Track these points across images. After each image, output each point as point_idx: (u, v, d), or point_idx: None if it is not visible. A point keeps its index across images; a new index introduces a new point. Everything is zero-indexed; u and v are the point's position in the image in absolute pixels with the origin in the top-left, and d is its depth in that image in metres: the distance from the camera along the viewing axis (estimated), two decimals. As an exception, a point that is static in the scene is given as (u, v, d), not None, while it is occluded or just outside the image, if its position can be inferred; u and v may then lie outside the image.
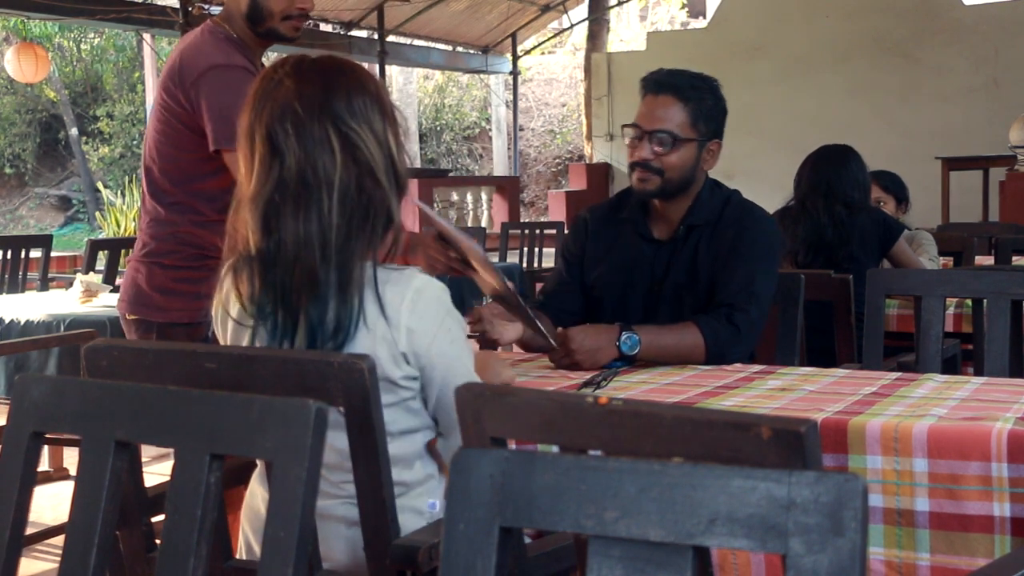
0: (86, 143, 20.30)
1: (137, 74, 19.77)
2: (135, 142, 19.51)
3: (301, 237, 1.60)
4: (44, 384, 1.27)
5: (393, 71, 17.82)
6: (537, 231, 7.37)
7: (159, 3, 11.31)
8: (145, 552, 1.72)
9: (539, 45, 18.59)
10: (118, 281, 4.34)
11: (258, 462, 1.75)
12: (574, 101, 20.12)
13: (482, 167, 20.85)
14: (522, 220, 14.57)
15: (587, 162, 15.77)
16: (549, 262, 7.37)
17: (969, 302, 3.04)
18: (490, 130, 19.59)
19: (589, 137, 15.87)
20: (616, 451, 1.17)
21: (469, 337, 1.96)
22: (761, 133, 12.62)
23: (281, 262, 1.61)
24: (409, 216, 1.77)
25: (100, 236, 12.07)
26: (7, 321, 3.77)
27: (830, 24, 13.62)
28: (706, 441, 1.12)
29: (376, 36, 13.52)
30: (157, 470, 3.79)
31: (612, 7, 16.95)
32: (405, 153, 1.70)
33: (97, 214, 13.81)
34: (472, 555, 0.92)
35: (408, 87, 19.63)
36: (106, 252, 5.76)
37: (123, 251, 5.89)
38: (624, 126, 2.45)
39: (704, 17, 20.34)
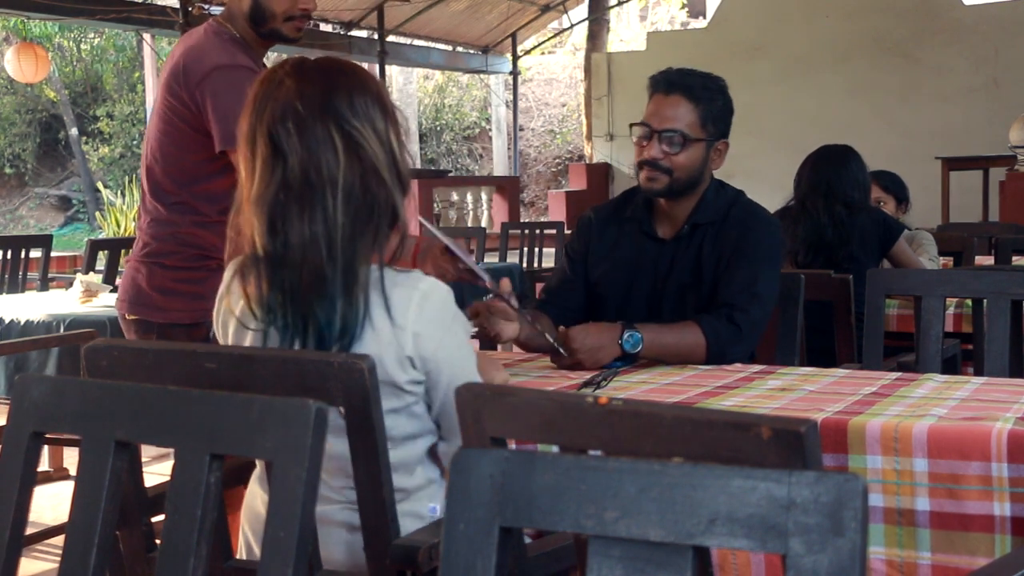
0: (86, 143, 20.30)
1: (137, 74, 19.77)
2: (135, 142, 19.51)
3: (307, 237, 1.60)
4: (44, 384, 1.27)
5: (393, 71, 17.82)
6: (537, 231, 7.37)
7: (159, 3, 11.31)
8: (145, 552, 1.72)
9: (539, 45, 18.59)
10: (118, 281, 4.34)
11: (257, 463, 1.75)
12: (574, 101, 20.13)
13: (482, 167, 20.86)
14: (522, 220, 14.57)
15: (587, 162, 15.77)
16: (549, 262, 7.37)
17: (969, 302, 3.04)
18: (490, 130, 19.59)
19: (589, 137, 15.87)
20: (616, 451, 1.17)
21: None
22: (761, 133, 12.61)
23: (288, 263, 1.61)
24: (412, 220, 1.77)
25: (100, 236, 12.08)
26: (7, 321, 3.77)
27: (830, 24, 13.63)
28: (706, 441, 1.12)
29: (376, 36, 13.52)
30: (157, 470, 3.79)
31: (612, 7, 16.96)
32: (407, 152, 1.70)
33: (97, 214, 13.81)
34: (472, 555, 0.92)
35: (408, 87, 19.63)
36: (106, 252, 5.76)
37: (123, 251, 5.89)
38: (632, 124, 2.45)
39: (704, 17, 20.34)
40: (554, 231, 7.22)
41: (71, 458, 4.29)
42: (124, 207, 11.51)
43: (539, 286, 5.09)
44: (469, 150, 21.65)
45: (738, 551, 1.60)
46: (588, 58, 15.98)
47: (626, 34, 22.01)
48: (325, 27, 13.31)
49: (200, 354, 1.59)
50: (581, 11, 16.32)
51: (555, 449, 1.37)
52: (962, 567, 1.57)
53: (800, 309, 2.72)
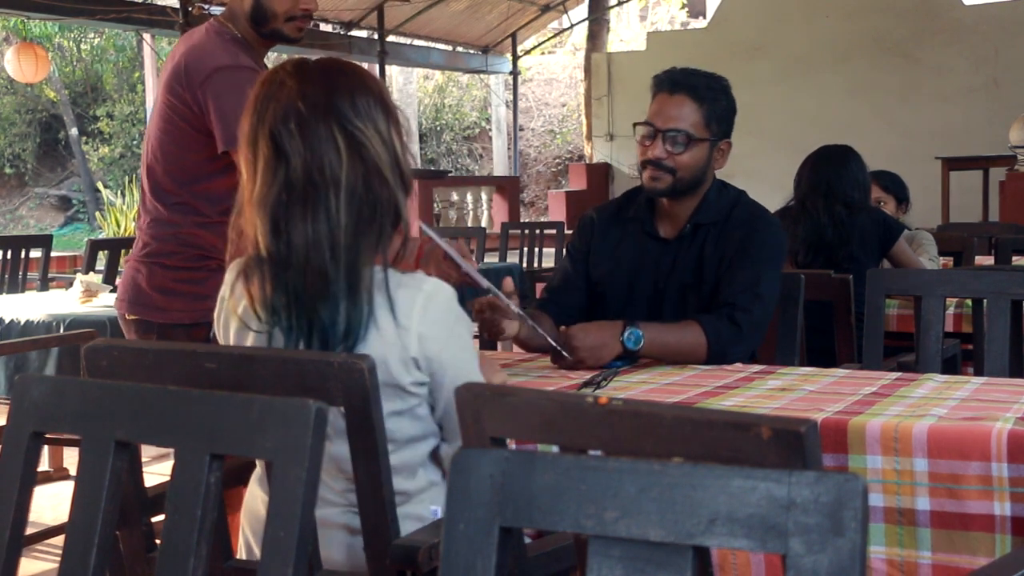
0: (86, 143, 20.30)
1: (137, 74, 19.77)
2: (135, 142, 19.51)
3: (310, 238, 1.59)
4: (44, 384, 1.27)
5: (393, 71, 17.82)
6: (537, 231, 7.36)
7: (159, 3, 11.31)
8: (145, 552, 1.72)
9: (539, 45, 18.59)
10: (118, 281, 4.35)
11: (257, 465, 1.75)
12: (574, 101, 20.13)
13: (482, 167, 20.86)
14: (522, 220, 14.58)
15: (587, 162, 15.77)
16: (549, 262, 7.37)
17: (969, 302, 3.04)
18: (490, 130, 19.59)
19: (589, 137, 15.88)
20: (616, 451, 1.17)
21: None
22: (761, 133, 12.62)
23: (292, 264, 1.60)
24: (413, 221, 1.76)
25: (100, 236, 12.08)
26: (7, 321, 3.77)
27: (830, 24, 13.63)
28: (706, 441, 1.12)
29: (376, 36, 13.52)
30: (157, 470, 3.79)
31: (612, 7, 16.96)
32: (409, 153, 1.70)
33: (97, 214, 13.81)
34: (472, 555, 0.92)
35: (408, 87, 19.63)
36: (106, 252, 5.76)
37: (123, 251, 5.88)
38: (636, 124, 2.45)
39: (704, 17, 20.34)
40: (554, 231, 7.22)
41: (71, 458, 4.29)
42: (124, 207, 11.51)
43: (539, 286, 5.09)
44: (469, 150, 21.65)
45: (738, 551, 1.60)
46: (588, 58, 15.98)
47: (626, 34, 22.01)
48: (325, 27, 13.31)
49: (200, 354, 1.59)
50: (581, 11, 16.32)
51: (555, 449, 1.37)
52: (962, 566, 1.57)
53: (800, 309, 2.72)
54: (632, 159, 15.31)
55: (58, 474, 4.28)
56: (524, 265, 7.01)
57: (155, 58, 14.25)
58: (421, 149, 20.52)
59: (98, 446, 1.20)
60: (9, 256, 5.65)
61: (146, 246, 2.59)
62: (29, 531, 1.47)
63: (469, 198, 13.16)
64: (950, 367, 2.90)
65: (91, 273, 5.05)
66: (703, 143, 2.41)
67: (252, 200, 1.63)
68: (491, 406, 1.28)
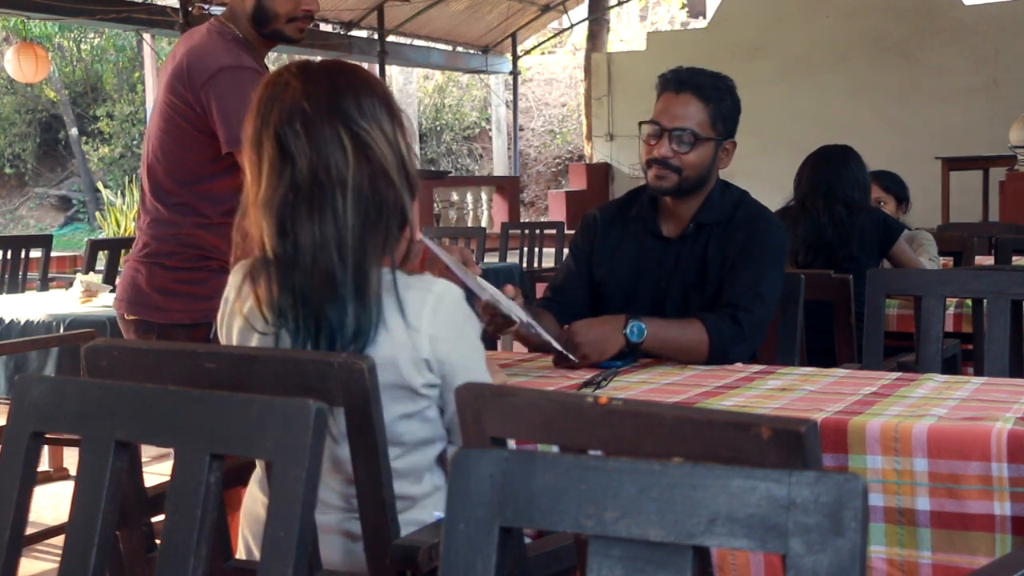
0: (86, 143, 20.30)
1: (137, 74, 19.77)
2: (135, 142, 19.51)
3: (317, 239, 1.58)
4: (44, 384, 1.27)
5: (393, 71, 17.82)
6: (537, 231, 7.36)
7: (159, 3, 11.31)
8: (145, 552, 1.72)
9: (539, 45, 18.58)
10: (117, 281, 4.35)
11: (257, 467, 1.75)
12: (574, 101, 20.12)
13: (482, 167, 20.85)
14: (522, 220, 14.57)
15: (587, 162, 15.76)
16: (549, 262, 7.37)
17: (969, 302, 3.04)
18: (490, 130, 19.59)
19: (589, 137, 15.87)
20: (616, 451, 1.17)
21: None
22: (761, 133, 12.60)
23: (299, 265, 1.59)
24: (418, 225, 1.76)
25: (100, 236, 12.07)
26: (7, 321, 3.77)
27: (830, 24, 13.62)
28: (706, 441, 1.12)
29: (376, 36, 13.52)
30: (157, 470, 3.79)
31: (612, 7, 16.95)
32: (414, 155, 1.69)
33: (97, 214, 13.81)
34: (472, 555, 0.92)
35: (408, 87, 19.63)
36: (106, 252, 5.75)
37: (123, 251, 5.88)
38: (642, 122, 2.46)
39: (704, 17, 20.34)
40: (554, 231, 7.22)
41: (71, 458, 4.29)
42: (124, 207, 11.50)
43: (540, 286, 5.09)
44: (469, 150, 21.64)
45: (737, 551, 1.60)
46: (588, 58, 15.98)
47: (626, 34, 22.01)
48: (325, 27, 13.31)
49: (200, 354, 1.59)
50: (581, 11, 16.32)
51: (555, 449, 1.37)
52: (963, 566, 1.57)
53: (800, 309, 2.72)
54: (632, 159, 15.32)
55: (58, 474, 4.28)
56: (524, 265, 7.01)
57: (155, 58, 14.24)
58: (421, 149, 20.51)
59: (98, 446, 1.20)
60: (9, 256, 5.65)
61: (146, 246, 2.59)
62: (29, 531, 1.46)
63: (469, 198, 13.16)
64: (950, 367, 2.90)
65: (91, 273, 5.05)
66: (709, 142, 2.41)
67: (257, 202, 1.62)
68: (491, 406, 1.28)
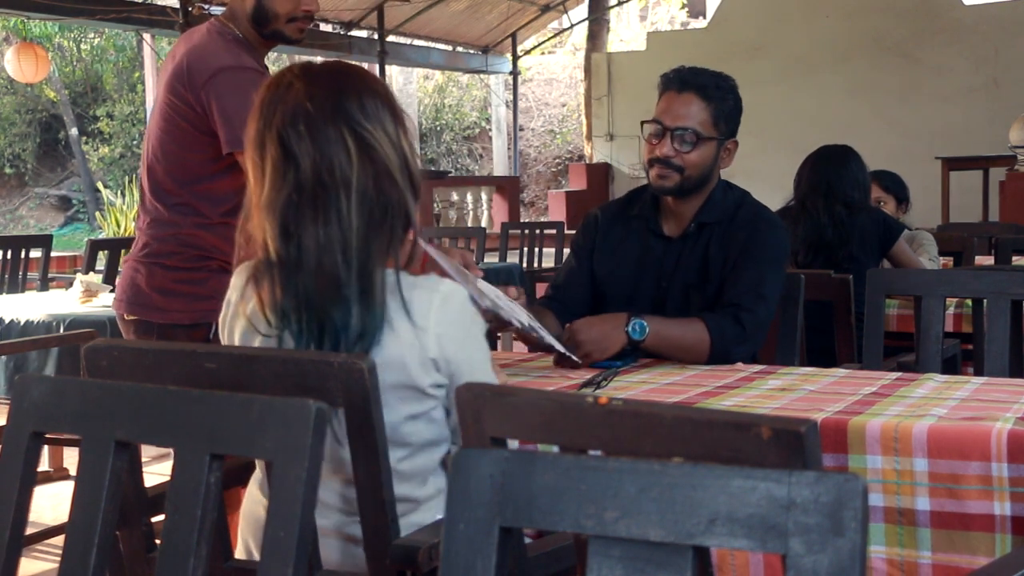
0: (86, 143, 20.30)
1: (137, 74, 19.77)
2: (135, 142, 19.51)
3: (321, 240, 1.58)
4: (44, 384, 1.27)
5: (393, 71, 17.82)
6: (537, 231, 7.36)
7: (159, 3, 11.31)
8: (145, 552, 1.72)
9: (539, 45, 18.58)
10: (117, 281, 4.35)
11: (257, 469, 1.74)
12: (574, 101, 20.13)
13: (482, 167, 20.85)
14: (522, 220, 14.57)
15: (587, 162, 15.77)
16: (549, 262, 7.37)
17: (969, 302, 3.04)
18: (490, 130, 19.59)
19: (589, 137, 15.87)
20: (616, 451, 1.17)
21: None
22: (761, 133, 12.61)
23: (303, 267, 1.59)
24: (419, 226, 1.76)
25: (100, 236, 12.08)
26: (7, 321, 3.77)
27: (830, 24, 13.63)
28: (706, 441, 1.12)
29: (376, 36, 13.52)
30: (157, 470, 3.79)
31: (612, 7, 16.95)
32: (417, 155, 1.69)
33: (97, 214, 13.82)
34: (472, 555, 0.92)
35: (408, 87, 19.63)
36: (106, 252, 5.75)
37: (123, 251, 5.88)
38: (644, 122, 2.46)
39: (704, 17, 20.34)
40: (554, 231, 7.22)
41: (71, 458, 4.29)
42: (124, 207, 11.50)
43: (540, 286, 5.09)
44: (469, 150, 21.64)
45: (737, 551, 1.60)
46: (588, 58, 15.98)
47: (626, 34, 22.01)
48: (325, 27, 13.31)
49: (200, 354, 1.59)
50: (581, 11, 16.32)
51: (555, 449, 1.37)
52: (962, 566, 1.57)
53: (800, 309, 2.72)
54: (632, 159, 15.32)
55: (58, 474, 4.28)
56: (524, 265, 7.01)
57: (155, 58, 14.25)
58: (421, 149, 20.51)
59: (98, 446, 1.20)
60: (9, 256, 5.65)
61: (146, 246, 2.59)
62: (29, 531, 1.46)
63: (469, 198, 13.16)
64: (950, 367, 2.90)
65: (91, 273, 5.05)
66: (711, 142, 2.42)
67: (260, 203, 1.61)
68: (491, 406, 1.28)
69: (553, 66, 22.00)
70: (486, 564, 0.92)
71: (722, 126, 2.43)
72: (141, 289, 2.56)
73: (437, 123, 21.40)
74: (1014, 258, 4.31)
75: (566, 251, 3.51)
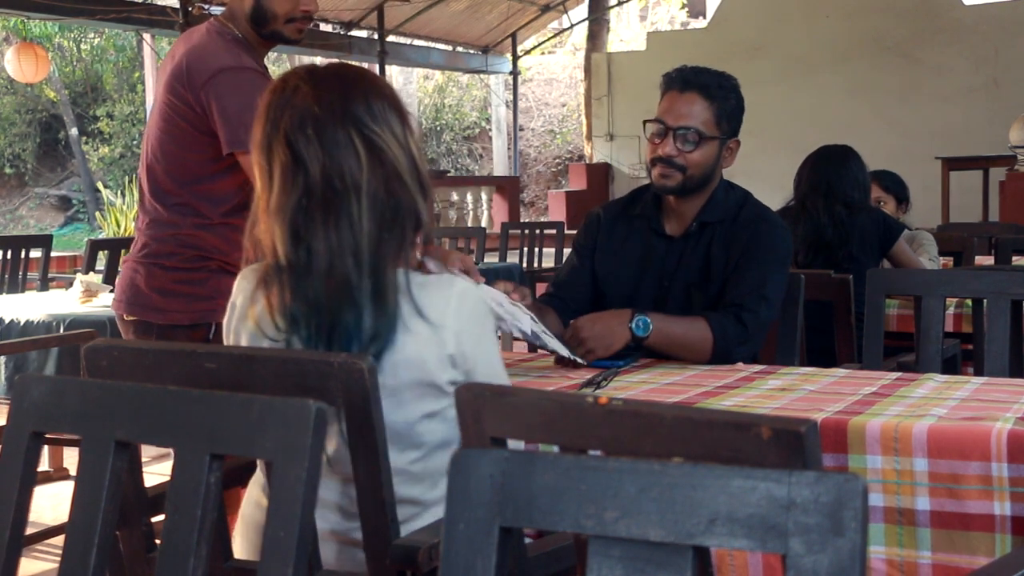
0: (86, 143, 20.30)
1: (137, 74, 19.78)
2: (135, 142, 19.51)
3: (333, 245, 1.57)
4: (44, 384, 1.27)
5: (393, 71, 17.82)
6: (537, 231, 7.36)
7: (159, 3, 11.31)
8: (145, 552, 1.72)
9: (539, 45, 18.59)
10: (117, 281, 4.35)
11: (258, 471, 1.74)
12: (574, 101, 20.13)
13: (482, 167, 20.86)
14: (522, 220, 14.58)
15: (587, 162, 15.77)
16: (549, 262, 7.37)
17: (969, 302, 3.04)
18: (490, 130, 19.59)
19: (589, 137, 15.88)
20: (616, 451, 1.17)
21: None
22: (761, 133, 12.61)
23: (313, 272, 1.58)
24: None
25: (100, 236, 12.08)
26: (7, 321, 3.77)
27: (830, 24, 13.63)
28: (706, 441, 1.12)
29: (376, 36, 13.52)
30: (157, 470, 3.79)
31: (612, 7, 16.96)
32: (424, 156, 1.69)
33: (97, 214, 13.82)
34: (472, 555, 0.92)
35: (408, 87, 19.63)
36: (106, 252, 5.75)
37: (123, 251, 5.88)
38: (646, 121, 2.46)
39: (704, 17, 20.34)
40: (554, 231, 7.22)
41: (71, 458, 4.29)
42: (124, 207, 11.51)
43: (540, 286, 5.09)
44: (469, 150, 21.64)
45: (736, 552, 1.60)
46: (588, 58, 15.98)
47: (626, 34, 22.01)
48: (325, 27, 13.31)
49: (200, 354, 1.59)
50: (581, 11, 16.32)
51: (555, 449, 1.37)
52: (962, 566, 1.57)
53: (800, 309, 2.72)
54: (632, 159, 15.33)
55: (58, 474, 4.27)
56: (524, 265, 7.01)
57: (155, 58, 14.25)
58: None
59: (98, 446, 1.20)
60: (9, 256, 5.65)
61: (145, 247, 2.59)
62: (29, 531, 1.46)
63: (469, 198, 13.16)
64: (950, 367, 2.90)
65: (91, 273, 5.05)
66: (713, 141, 2.42)
67: (269, 208, 1.60)
68: (491, 406, 1.28)
69: (553, 66, 22.00)
70: (486, 564, 0.92)
71: (724, 125, 2.43)
72: (140, 289, 2.56)
73: (437, 123, 21.40)
74: (1014, 258, 4.31)
75: (566, 251, 3.51)
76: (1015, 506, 1.55)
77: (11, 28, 18.12)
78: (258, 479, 1.75)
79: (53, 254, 6.38)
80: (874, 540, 1.63)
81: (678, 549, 0.87)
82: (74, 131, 20.05)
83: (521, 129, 18.68)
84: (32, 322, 3.75)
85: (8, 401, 1.75)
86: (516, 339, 2.15)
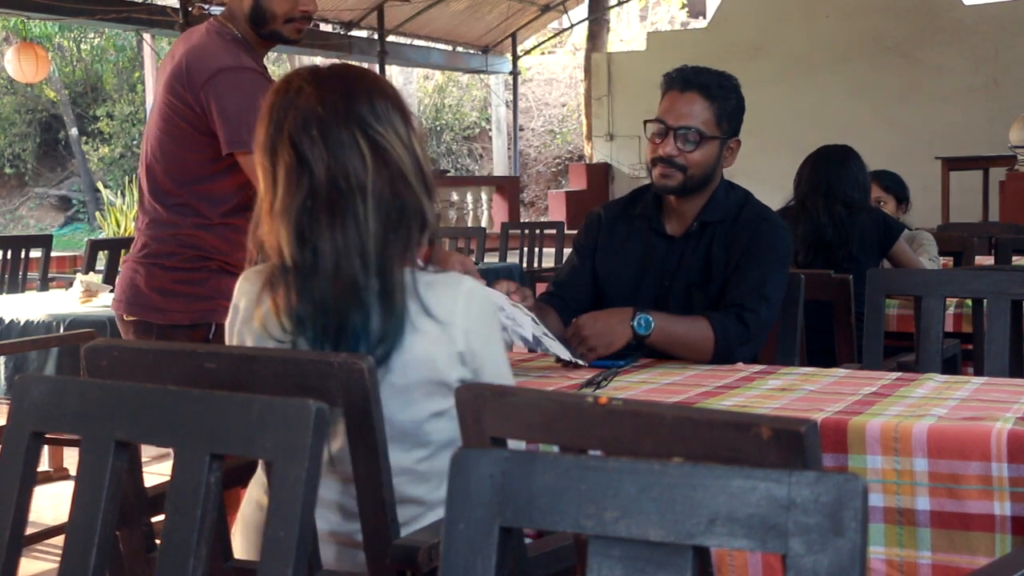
0: (86, 143, 20.30)
1: (137, 74, 19.78)
2: (135, 142, 19.51)
3: (340, 246, 1.57)
4: (44, 384, 1.27)
5: (393, 71, 17.82)
6: (537, 231, 7.36)
7: (159, 3, 11.31)
8: (145, 552, 1.72)
9: (539, 45, 18.59)
10: (116, 281, 4.35)
11: (259, 472, 1.74)
12: (574, 101, 20.13)
13: (482, 167, 20.86)
14: (522, 220, 14.58)
15: (587, 162, 15.78)
16: (549, 262, 7.37)
17: (969, 302, 3.04)
18: (490, 130, 19.59)
19: (589, 137, 15.88)
20: (616, 451, 1.17)
21: None
22: (761, 133, 12.61)
23: (320, 273, 1.58)
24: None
25: (100, 236, 12.08)
26: (7, 321, 3.77)
27: (830, 24, 13.63)
28: (706, 441, 1.12)
29: (376, 36, 13.53)
30: (157, 470, 3.79)
31: (612, 7, 16.96)
32: (428, 157, 1.69)
33: (97, 214, 13.82)
34: (472, 555, 0.92)
35: (408, 87, 19.63)
36: (106, 252, 5.75)
37: (123, 251, 5.88)
38: (647, 121, 2.46)
39: (704, 17, 20.34)
40: (554, 231, 7.22)
41: (71, 458, 4.29)
42: (124, 207, 11.51)
43: (540, 286, 5.09)
44: (469, 150, 21.65)
45: (736, 552, 1.60)
46: (588, 58, 15.99)
47: (626, 34, 22.02)
48: (325, 27, 13.31)
49: (200, 354, 1.59)
50: (581, 11, 16.32)
51: (555, 449, 1.37)
52: (962, 566, 1.57)
53: (800, 309, 2.72)
54: (632, 159, 15.33)
55: (58, 474, 4.27)
56: (524, 265, 7.01)
57: (155, 58, 14.27)
58: (421, 149, 20.46)
59: (98, 446, 1.20)
60: (9, 256, 5.65)
61: (145, 247, 2.59)
62: (29, 531, 1.47)
63: (469, 198, 13.16)
64: (950, 367, 2.90)
65: (91, 273, 5.05)
66: (714, 141, 2.42)
67: (274, 209, 1.60)
68: (491, 406, 1.28)
69: (553, 66, 22.00)
70: (486, 564, 0.92)
71: (725, 125, 2.43)
72: (140, 290, 2.56)
73: (437, 123, 21.40)
74: (1014, 258, 4.31)
75: (566, 251, 3.51)
76: (1015, 506, 1.55)
77: (11, 28, 18.13)
78: (259, 479, 1.75)
79: (53, 254, 6.38)
80: (874, 540, 1.63)
81: (678, 549, 0.87)
82: (74, 131, 20.05)
83: (521, 129, 18.68)
84: (32, 322, 3.75)
85: (8, 401, 1.75)
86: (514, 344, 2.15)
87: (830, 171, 3.58)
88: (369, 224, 1.57)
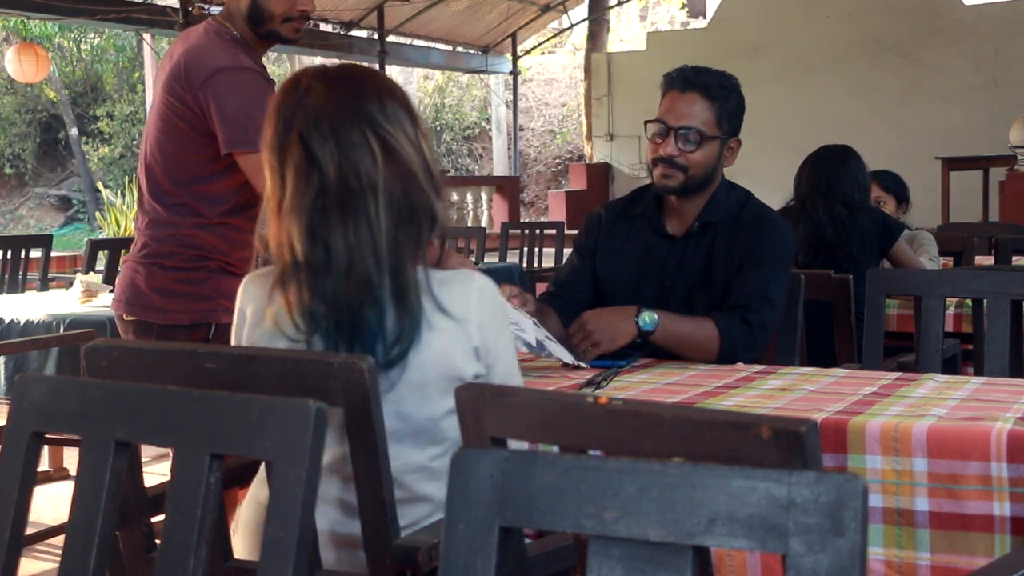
0: (86, 143, 20.30)
1: (137, 74, 19.78)
2: (135, 142, 19.51)
3: (352, 244, 1.57)
4: (44, 384, 1.27)
5: (393, 71, 17.82)
6: (537, 231, 7.36)
7: (159, 3, 11.31)
8: (145, 552, 1.72)
9: (539, 45, 18.58)
10: (116, 281, 4.35)
11: (261, 472, 1.74)
12: (574, 101, 20.13)
13: (482, 167, 20.86)
14: (522, 220, 14.58)
15: (587, 162, 15.77)
16: (549, 262, 7.37)
17: (969, 302, 3.04)
18: (490, 130, 19.59)
19: (589, 137, 15.88)
20: (616, 451, 1.17)
21: None
22: (761, 133, 12.59)
23: (332, 270, 1.58)
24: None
25: (100, 236, 12.08)
26: (7, 321, 3.77)
27: (830, 24, 13.63)
28: (706, 441, 1.12)
29: (376, 36, 13.52)
30: (157, 470, 3.79)
31: (612, 7, 16.96)
32: (435, 156, 1.69)
33: (97, 214, 13.82)
34: (472, 555, 0.92)
35: (408, 87, 19.62)
36: (106, 252, 5.75)
37: (123, 251, 5.88)
38: (648, 121, 2.46)
39: (704, 17, 20.34)
40: (554, 231, 7.22)
41: (71, 458, 4.29)
42: (124, 207, 11.51)
43: (540, 287, 5.09)
44: (469, 150, 21.65)
45: (735, 552, 1.60)
46: (588, 58, 15.98)
47: (626, 34, 22.01)
48: (325, 27, 13.31)
49: (200, 354, 1.59)
50: (581, 11, 16.32)
51: (555, 449, 1.37)
52: (961, 567, 1.57)
53: (800, 309, 2.72)
54: (632, 159, 15.33)
55: (58, 474, 4.27)
56: (524, 265, 7.01)
57: (155, 58, 14.26)
58: (421, 149, 20.46)
59: (98, 446, 1.20)
60: (9, 256, 5.65)
61: (144, 247, 2.59)
62: (29, 531, 1.47)
63: (469, 198, 13.16)
64: (950, 367, 2.90)
65: (91, 273, 5.05)
66: (714, 141, 2.42)
67: (283, 208, 1.60)
68: (491, 406, 1.28)
69: (553, 66, 22.00)
70: (486, 564, 0.92)
71: (725, 125, 2.43)
72: (140, 290, 2.56)
73: (437, 123, 21.40)
74: (1014, 258, 4.31)
75: (566, 251, 3.51)
76: (1014, 506, 1.55)
77: (11, 28, 18.12)
78: (260, 479, 1.75)
79: (53, 254, 6.38)
80: (873, 541, 1.63)
81: (678, 549, 0.87)
82: (74, 131, 20.05)
83: (521, 129, 18.68)
84: (32, 322, 3.75)
85: (8, 401, 1.75)
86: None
87: (830, 171, 3.58)
88: (381, 222, 1.58)
